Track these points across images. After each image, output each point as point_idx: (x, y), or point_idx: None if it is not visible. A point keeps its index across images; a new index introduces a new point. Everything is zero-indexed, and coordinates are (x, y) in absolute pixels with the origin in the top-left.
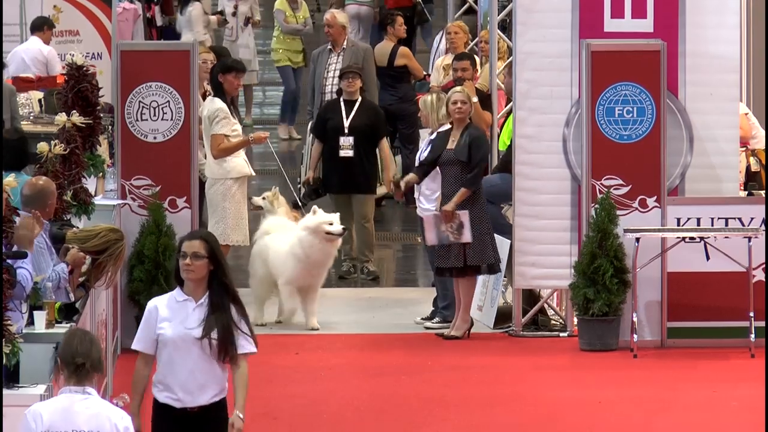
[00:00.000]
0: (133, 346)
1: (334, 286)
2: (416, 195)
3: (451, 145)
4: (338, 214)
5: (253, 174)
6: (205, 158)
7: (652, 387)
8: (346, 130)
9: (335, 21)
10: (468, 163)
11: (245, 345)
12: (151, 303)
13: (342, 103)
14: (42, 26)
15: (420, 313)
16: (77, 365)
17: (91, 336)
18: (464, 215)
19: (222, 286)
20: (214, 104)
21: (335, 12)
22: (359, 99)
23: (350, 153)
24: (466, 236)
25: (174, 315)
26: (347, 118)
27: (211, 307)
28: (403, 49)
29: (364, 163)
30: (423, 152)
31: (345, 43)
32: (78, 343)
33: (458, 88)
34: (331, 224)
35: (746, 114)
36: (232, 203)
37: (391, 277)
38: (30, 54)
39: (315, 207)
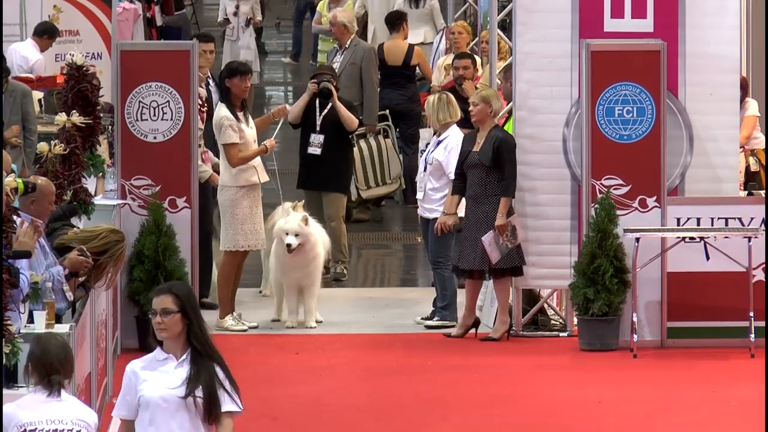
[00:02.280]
0: (114, 414)
1: (333, 286)
2: (419, 195)
3: (476, 147)
4: (304, 214)
5: (265, 180)
6: (203, 163)
7: (652, 387)
8: (318, 127)
9: (336, 20)
10: (492, 167)
11: (229, 403)
12: (130, 366)
13: (317, 102)
14: (42, 33)
15: (420, 313)
16: (50, 379)
17: (65, 343)
18: (515, 219)
19: (200, 340)
20: (219, 112)
21: (337, 11)
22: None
23: (317, 151)
24: (521, 236)
25: (155, 375)
26: (320, 114)
27: (193, 364)
28: (418, 49)
29: (333, 162)
30: (429, 153)
31: (349, 42)
32: (54, 356)
33: (486, 88)
34: (287, 234)
35: (757, 117)
36: (240, 210)
37: (391, 277)
38: (18, 56)
39: (290, 209)
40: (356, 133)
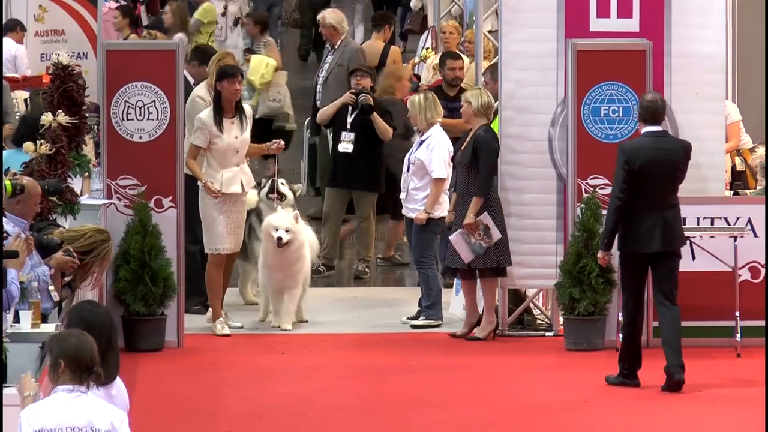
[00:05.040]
0: None
1: (321, 285)
2: (402, 195)
3: (462, 146)
4: (295, 212)
5: (244, 191)
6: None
7: (637, 386)
8: (348, 126)
9: (324, 22)
10: (473, 167)
11: None
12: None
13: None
14: (15, 27)
15: (406, 312)
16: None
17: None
18: (485, 218)
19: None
20: (202, 113)
21: (326, 12)
22: None
23: (349, 148)
24: (496, 235)
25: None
26: (350, 114)
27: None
28: (395, 49)
29: (364, 160)
30: (411, 153)
31: (339, 42)
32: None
33: (472, 88)
34: (276, 229)
35: (740, 121)
36: (213, 212)
37: (377, 276)
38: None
39: (280, 205)
40: None
